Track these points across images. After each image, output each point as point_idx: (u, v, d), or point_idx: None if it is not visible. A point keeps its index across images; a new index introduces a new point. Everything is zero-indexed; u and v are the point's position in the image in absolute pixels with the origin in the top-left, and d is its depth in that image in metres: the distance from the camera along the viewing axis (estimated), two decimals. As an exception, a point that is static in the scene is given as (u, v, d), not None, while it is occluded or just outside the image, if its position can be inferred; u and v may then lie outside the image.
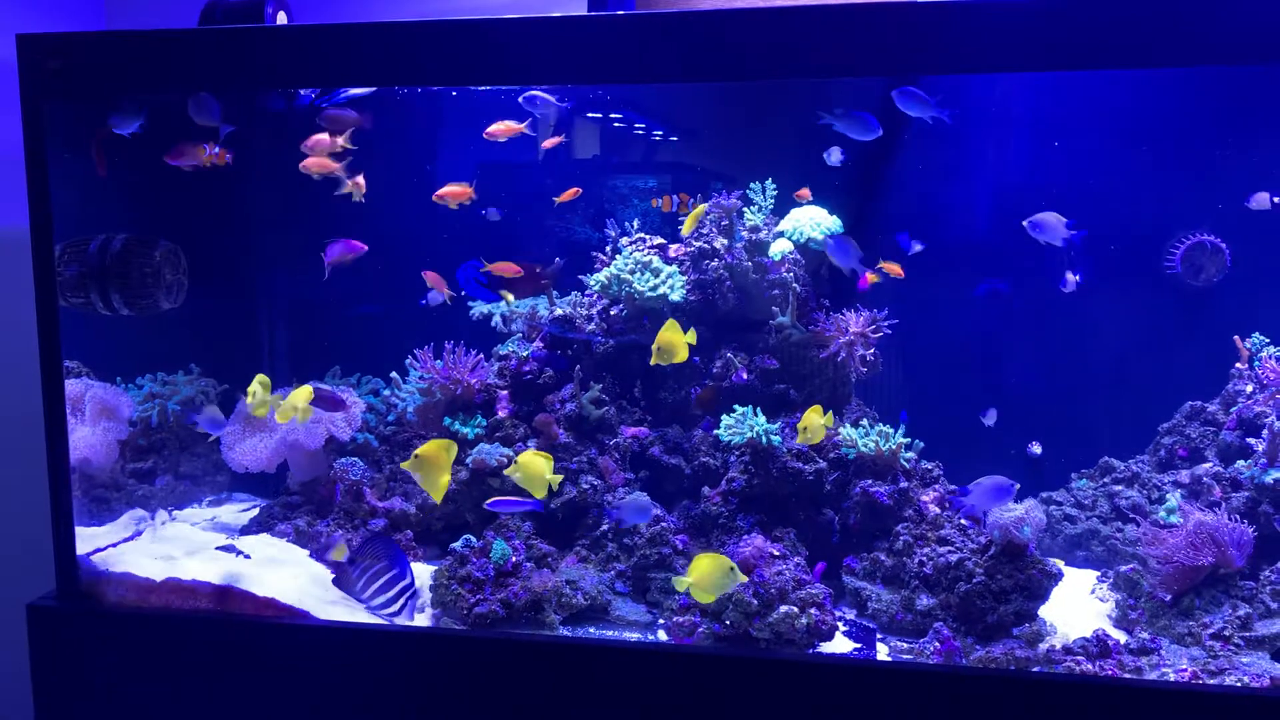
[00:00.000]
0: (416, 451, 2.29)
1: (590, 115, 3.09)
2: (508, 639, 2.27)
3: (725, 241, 2.84)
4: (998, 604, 2.31)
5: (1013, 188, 2.95)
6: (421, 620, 2.42)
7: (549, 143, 2.92)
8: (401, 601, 2.40)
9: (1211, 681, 2.13)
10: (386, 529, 2.74)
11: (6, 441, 2.94)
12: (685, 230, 2.86)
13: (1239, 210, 2.81)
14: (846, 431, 2.66)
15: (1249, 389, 2.81)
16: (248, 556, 2.57)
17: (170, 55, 2.28)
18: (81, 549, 2.46)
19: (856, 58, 2.07)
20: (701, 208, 2.82)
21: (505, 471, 2.52)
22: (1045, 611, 2.36)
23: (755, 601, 2.24)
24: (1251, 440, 2.68)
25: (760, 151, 3.05)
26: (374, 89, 2.65)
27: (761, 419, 2.63)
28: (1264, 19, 1.88)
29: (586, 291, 2.94)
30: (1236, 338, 2.87)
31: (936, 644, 2.24)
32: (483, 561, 2.41)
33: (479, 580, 2.38)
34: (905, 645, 2.30)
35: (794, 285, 2.84)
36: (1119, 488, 2.87)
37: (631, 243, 2.95)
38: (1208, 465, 2.75)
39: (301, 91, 2.85)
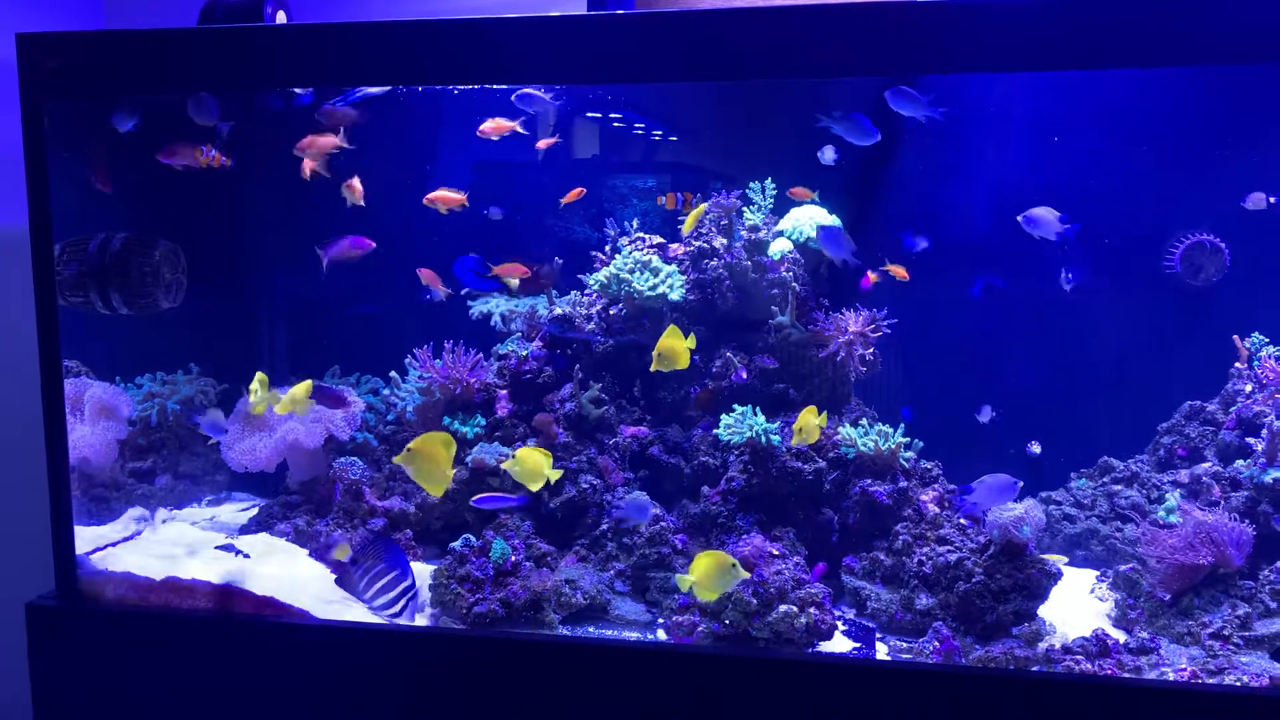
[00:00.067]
0: (409, 445, 2.22)
1: (590, 115, 3.09)
2: (507, 638, 2.27)
3: (725, 241, 2.84)
4: (997, 603, 2.31)
5: (1012, 187, 2.94)
6: (421, 620, 2.42)
7: (544, 143, 2.92)
8: (403, 603, 2.40)
9: (1211, 681, 2.13)
10: (386, 528, 2.74)
11: (6, 441, 2.94)
12: (685, 230, 2.86)
13: (1238, 210, 2.81)
14: (846, 431, 2.67)
15: (1248, 388, 2.81)
16: (247, 556, 2.58)
17: (169, 55, 2.28)
18: (81, 548, 2.47)
19: (856, 57, 2.07)
20: (701, 207, 2.82)
21: (503, 465, 2.52)
22: (1045, 611, 2.36)
23: (754, 601, 2.24)
24: (1251, 440, 2.68)
25: (760, 151, 3.05)
26: (388, 89, 2.65)
27: (761, 418, 2.63)
28: (1264, 19, 1.89)
29: (586, 291, 2.94)
30: (1236, 337, 2.87)
31: (936, 643, 2.24)
32: (482, 561, 2.41)
33: (478, 580, 2.38)
34: (905, 645, 2.30)
35: (793, 285, 2.84)
36: (1118, 487, 2.87)
37: (631, 242, 2.95)
38: (1207, 465, 2.75)
39: (299, 91, 2.85)
